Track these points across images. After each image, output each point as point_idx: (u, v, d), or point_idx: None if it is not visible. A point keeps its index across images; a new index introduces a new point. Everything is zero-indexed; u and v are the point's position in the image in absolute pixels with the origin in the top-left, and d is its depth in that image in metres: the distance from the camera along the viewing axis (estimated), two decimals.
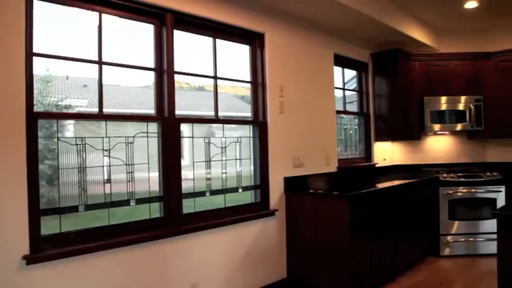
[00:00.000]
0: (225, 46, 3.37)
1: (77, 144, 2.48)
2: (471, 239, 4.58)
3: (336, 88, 4.44)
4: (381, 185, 3.84)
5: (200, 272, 2.96)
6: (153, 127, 2.85)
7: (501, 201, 4.53)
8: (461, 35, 5.49)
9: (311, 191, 3.57)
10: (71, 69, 2.61)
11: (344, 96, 4.69)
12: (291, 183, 3.65)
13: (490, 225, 4.44)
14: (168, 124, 2.86)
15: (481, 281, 3.84)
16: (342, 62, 4.58)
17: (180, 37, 3.02)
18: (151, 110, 2.90)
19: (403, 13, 4.54)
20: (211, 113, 3.25)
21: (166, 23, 2.86)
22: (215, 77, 3.26)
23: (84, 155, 2.50)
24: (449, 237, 4.59)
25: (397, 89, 4.75)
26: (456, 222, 4.59)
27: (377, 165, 4.88)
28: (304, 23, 3.92)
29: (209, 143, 3.19)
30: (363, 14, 3.76)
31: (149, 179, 2.81)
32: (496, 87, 4.97)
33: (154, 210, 2.84)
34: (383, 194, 3.70)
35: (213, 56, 3.26)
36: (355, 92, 4.93)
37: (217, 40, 3.27)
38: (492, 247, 4.28)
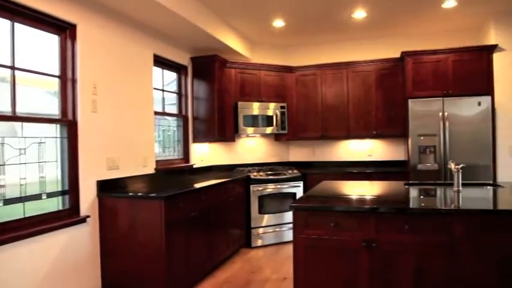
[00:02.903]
0: (31, 34, 2.97)
1: None
2: (277, 229, 5.16)
3: (155, 89, 4.41)
4: (198, 185, 3.96)
5: None
6: None
7: (300, 194, 5.24)
8: (272, 49, 6.17)
9: (127, 194, 3.41)
10: None
11: (163, 98, 4.70)
12: (105, 187, 3.44)
13: (292, 216, 5.08)
14: None
15: (285, 262, 4.39)
16: (162, 63, 4.59)
17: None
18: None
19: (221, 22, 4.82)
20: (7, 109, 2.80)
21: None
22: (13, 68, 2.83)
23: None
24: (260, 230, 5.07)
25: (214, 93, 5.00)
26: (266, 216, 5.10)
27: (195, 166, 5.04)
28: (124, 19, 3.77)
29: (3, 143, 2.72)
30: (179, 15, 3.81)
31: None
32: (297, 97, 5.77)
33: None
34: (200, 193, 3.83)
35: (11, 43, 2.81)
36: (175, 94, 5.00)
37: (18, 25, 2.84)
38: None
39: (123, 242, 3.35)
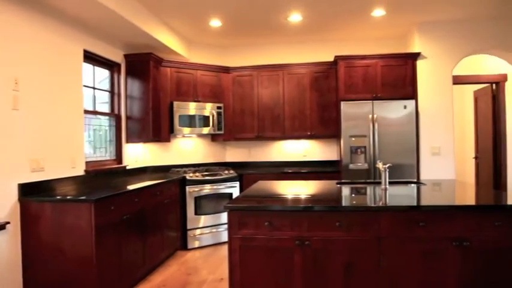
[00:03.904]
0: None
1: None
2: (214, 230, 5.13)
3: (86, 86, 4.18)
4: (131, 187, 3.83)
5: None
6: None
7: (236, 195, 5.23)
8: (209, 49, 6.13)
9: (53, 197, 3.18)
10: None
11: (94, 96, 4.47)
12: (28, 191, 3.18)
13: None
14: None
15: (223, 263, 4.39)
16: (93, 59, 4.37)
17: None
18: None
19: (157, 20, 4.69)
20: None
21: None
22: None
23: None
24: (196, 231, 5.01)
25: (149, 92, 4.86)
26: (202, 217, 5.05)
27: (128, 167, 4.86)
28: (51, 12, 3.52)
29: None
30: (112, 10, 3.65)
31: None
32: (233, 97, 5.78)
33: None
34: (133, 195, 3.71)
35: None
36: (107, 93, 4.78)
37: None
38: None
39: (49, 249, 3.12)
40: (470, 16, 4.96)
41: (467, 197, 2.97)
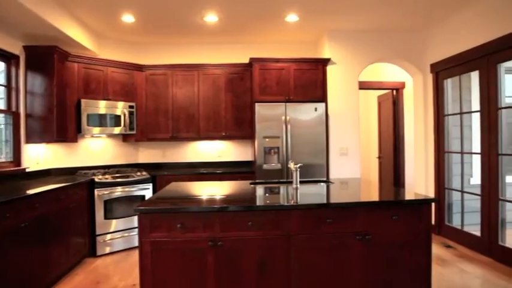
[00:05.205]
0: None
1: None
2: (126, 234, 4.90)
3: None
4: (32, 191, 3.49)
5: None
6: None
7: (149, 196, 5.06)
8: (121, 45, 5.86)
9: None
10: None
11: None
12: None
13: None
14: None
15: (135, 268, 4.21)
16: None
17: None
18: None
19: (62, 10, 4.34)
20: None
21: None
22: None
23: None
24: (107, 236, 4.75)
25: (53, 89, 4.49)
26: (113, 221, 4.80)
27: (29, 170, 4.45)
28: None
29: None
30: None
31: None
32: (146, 97, 5.59)
33: None
34: (33, 200, 3.38)
35: None
36: (3, 88, 4.33)
37: None
38: None
39: None
40: (375, 27, 5.35)
41: (371, 194, 3.18)
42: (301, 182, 3.78)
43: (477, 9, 4.51)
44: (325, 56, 5.54)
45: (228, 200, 2.85)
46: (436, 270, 4.04)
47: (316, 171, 5.20)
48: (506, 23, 4.05)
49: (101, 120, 5.04)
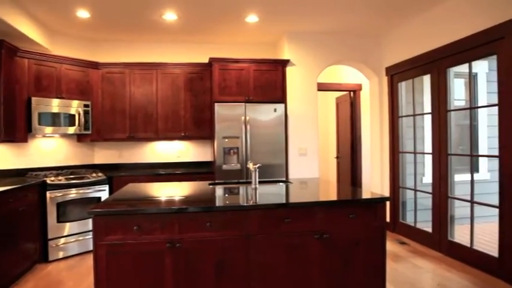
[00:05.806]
0: None
1: None
2: (81, 238, 4.72)
3: None
4: None
5: None
6: None
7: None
8: (76, 41, 5.65)
9: None
10: None
11: None
12: None
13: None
14: None
15: (91, 273, 4.05)
16: None
17: None
18: None
19: (10, 2, 4.12)
20: None
21: None
22: None
23: None
24: (60, 240, 4.55)
25: (0, 85, 4.26)
26: (67, 224, 4.62)
27: None
28: None
29: None
30: None
31: None
32: (103, 95, 5.42)
33: None
34: None
35: None
36: None
37: None
38: None
39: None
40: (334, 30, 5.46)
41: (329, 193, 3.24)
42: (260, 182, 3.79)
43: (429, 16, 4.71)
44: (285, 57, 5.60)
45: (187, 201, 2.81)
46: (390, 266, 4.18)
47: (275, 171, 5.24)
48: (455, 30, 4.25)
49: (53, 120, 4.83)
